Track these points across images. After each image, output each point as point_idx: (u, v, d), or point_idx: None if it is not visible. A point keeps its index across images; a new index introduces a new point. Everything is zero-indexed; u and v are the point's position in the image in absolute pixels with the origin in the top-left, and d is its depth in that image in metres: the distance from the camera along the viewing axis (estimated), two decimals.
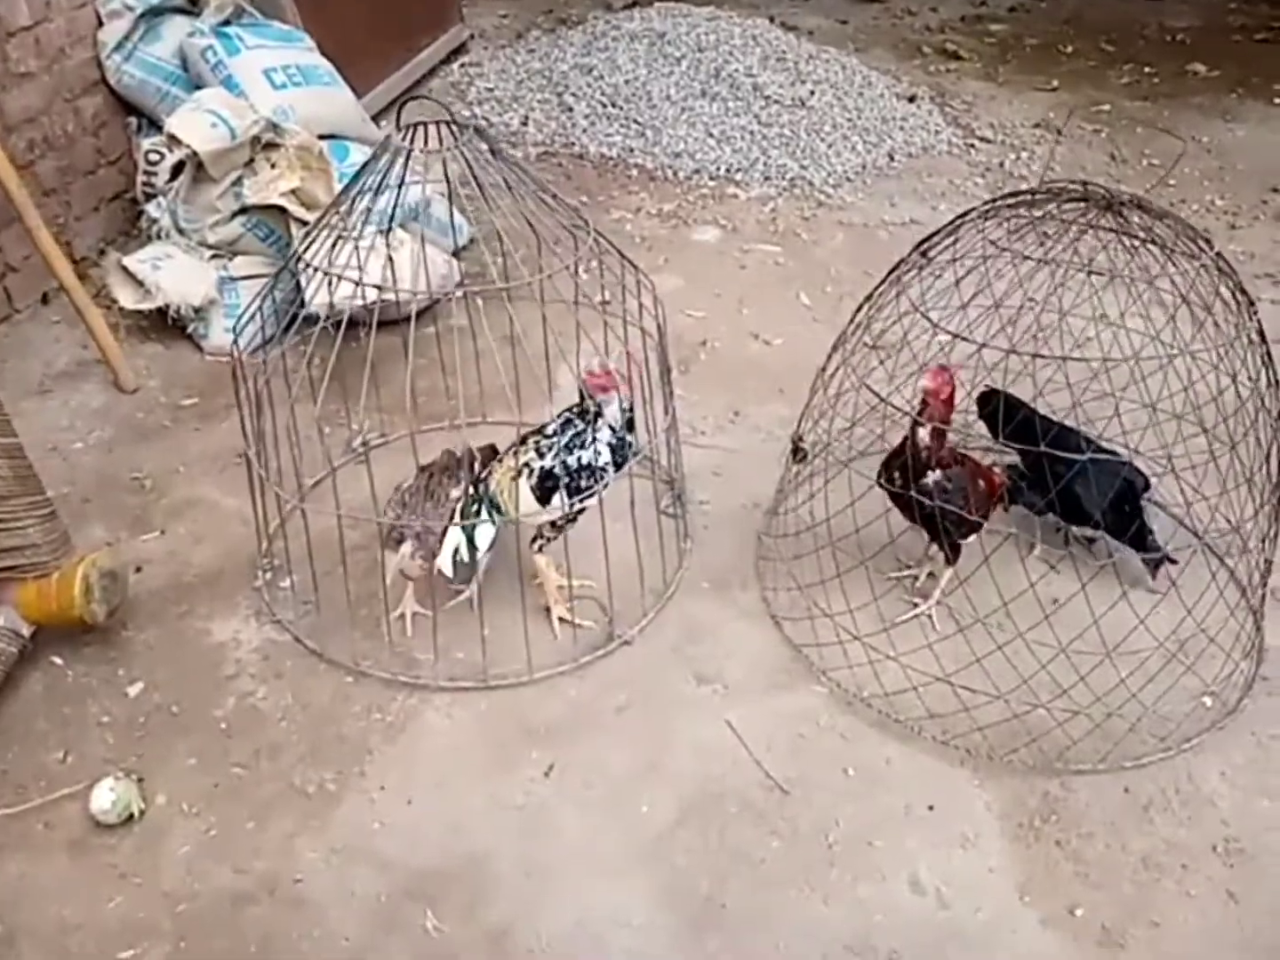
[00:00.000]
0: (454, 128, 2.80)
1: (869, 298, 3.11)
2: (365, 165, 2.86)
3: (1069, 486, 2.89)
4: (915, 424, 2.88)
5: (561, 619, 3.00)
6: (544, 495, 2.82)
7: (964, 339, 2.68)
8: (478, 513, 2.86)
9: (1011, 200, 2.79)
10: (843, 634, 2.89)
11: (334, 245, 2.89)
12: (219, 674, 2.89)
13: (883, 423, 3.08)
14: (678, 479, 3.58)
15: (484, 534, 2.88)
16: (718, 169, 5.57)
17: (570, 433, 2.84)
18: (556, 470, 2.79)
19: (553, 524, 2.88)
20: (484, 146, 2.80)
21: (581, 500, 2.82)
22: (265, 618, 3.06)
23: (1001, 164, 5.89)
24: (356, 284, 2.81)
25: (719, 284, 4.72)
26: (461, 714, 2.78)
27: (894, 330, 3.01)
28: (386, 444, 3.79)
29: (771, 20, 7.32)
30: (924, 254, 2.96)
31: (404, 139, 2.77)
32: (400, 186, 2.83)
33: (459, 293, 3.42)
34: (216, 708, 2.80)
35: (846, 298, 4.66)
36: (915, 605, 3.07)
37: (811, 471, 3.32)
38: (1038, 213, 2.64)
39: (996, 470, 3.15)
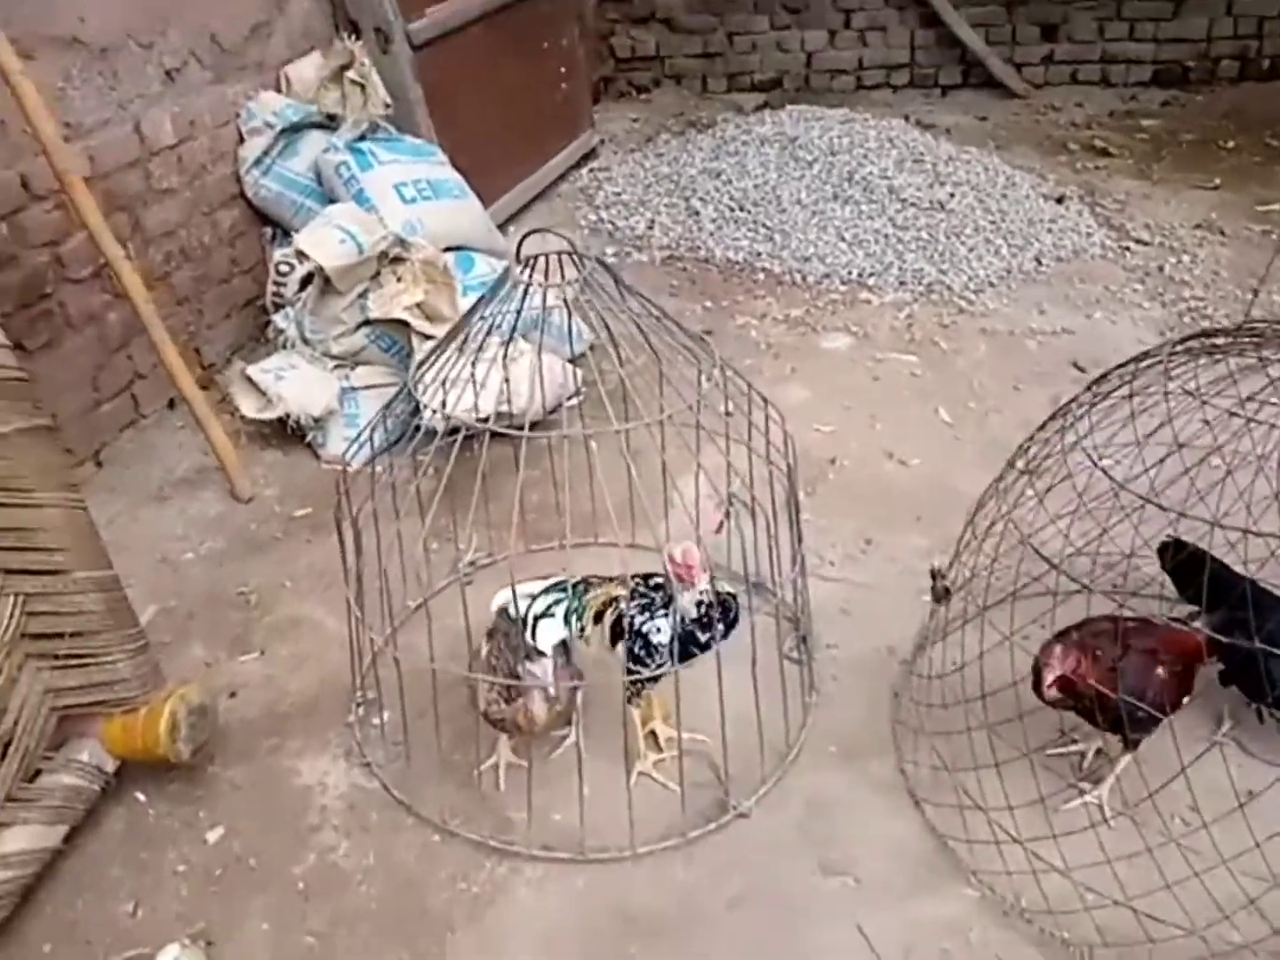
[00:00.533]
0: (576, 258, 2.66)
1: (1027, 445, 2.78)
2: (483, 297, 2.76)
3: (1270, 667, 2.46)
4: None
5: (644, 774, 2.74)
6: (613, 638, 2.68)
7: (1157, 504, 2.32)
8: (574, 612, 2.69)
9: (1206, 342, 2.43)
10: (998, 831, 2.50)
11: (454, 360, 2.79)
12: (302, 823, 2.70)
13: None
14: (804, 619, 3.28)
15: (550, 629, 2.70)
16: (849, 273, 5.34)
17: (654, 596, 2.66)
18: (624, 622, 2.60)
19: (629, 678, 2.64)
20: (608, 278, 2.66)
21: (636, 670, 2.58)
22: (355, 759, 2.87)
23: (1161, 268, 5.47)
24: (474, 396, 2.69)
25: (850, 396, 4.44)
26: (555, 891, 2.50)
27: (1056, 470, 2.67)
28: (494, 564, 3.62)
29: (907, 119, 7.13)
30: (1097, 395, 2.63)
31: (523, 272, 2.64)
32: (520, 310, 2.70)
33: (578, 430, 3.25)
34: (296, 863, 2.60)
35: (992, 413, 4.32)
36: (1081, 791, 2.66)
37: (962, 618, 2.97)
38: (1243, 361, 2.28)
39: (1184, 628, 2.70)
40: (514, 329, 2.79)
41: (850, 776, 2.77)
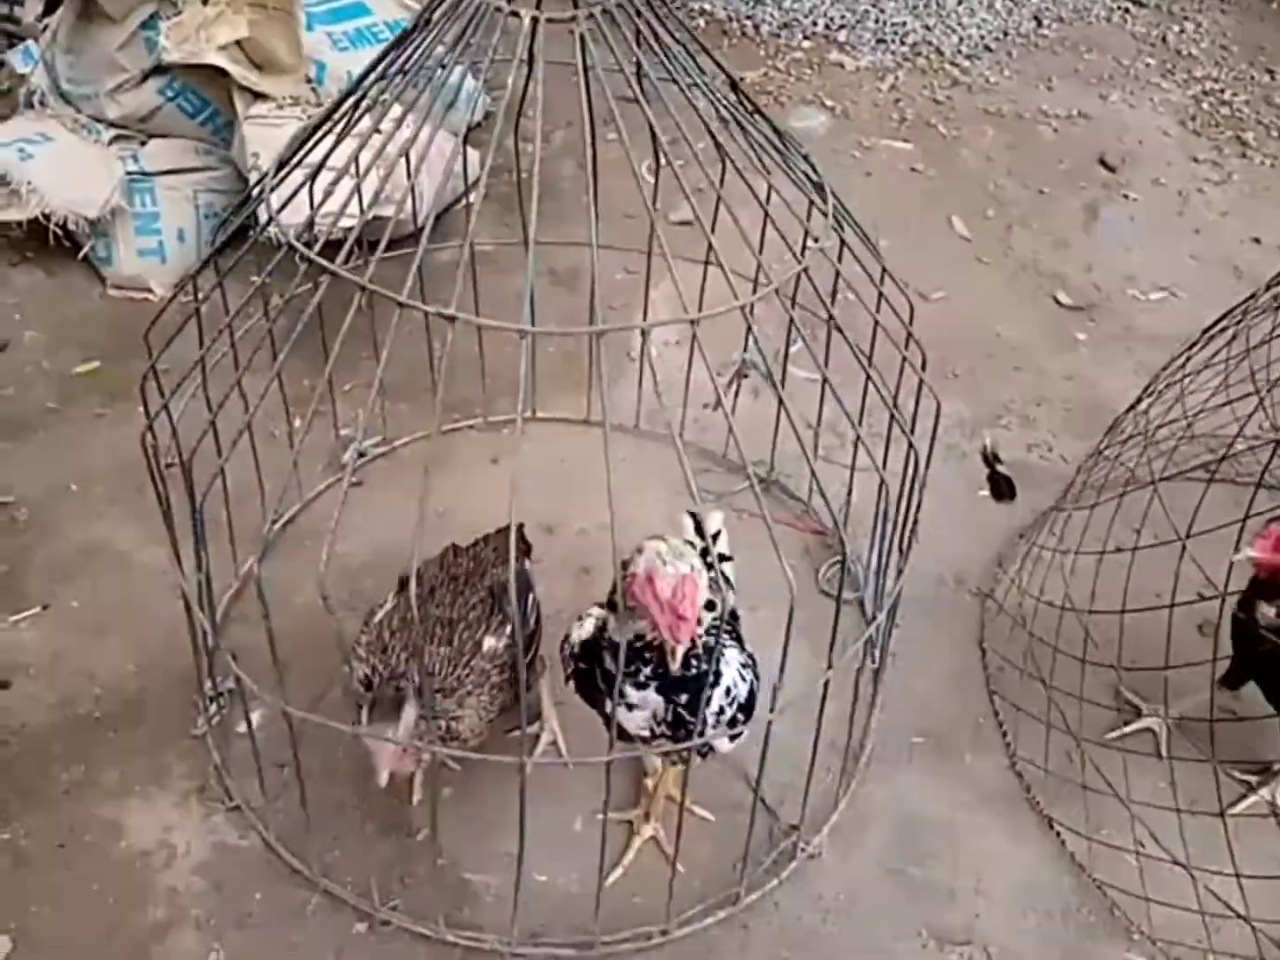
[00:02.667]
0: None
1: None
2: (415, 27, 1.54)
3: None
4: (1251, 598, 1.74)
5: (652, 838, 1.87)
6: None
7: None
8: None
9: None
10: (1156, 865, 1.80)
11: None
12: (140, 922, 1.71)
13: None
14: (840, 531, 2.39)
15: None
16: (815, 24, 4.15)
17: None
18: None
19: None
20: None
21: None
22: (213, 798, 1.86)
23: (1164, 38, 4.53)
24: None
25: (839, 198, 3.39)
26: None
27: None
28: (393, 452, 2.53)
29: None
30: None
31: None
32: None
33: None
34: None
35: (1018, 227, 3.40)
36: (1250, 786, 1.98)
37: (1064, 520, 2.15)
38: None
39: None
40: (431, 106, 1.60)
41: (944, 781, 1.99)
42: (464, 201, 3.02)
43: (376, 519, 2.33)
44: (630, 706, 1.56)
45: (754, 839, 1.80)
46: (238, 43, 2.70)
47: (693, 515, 1.95)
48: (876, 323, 1.85)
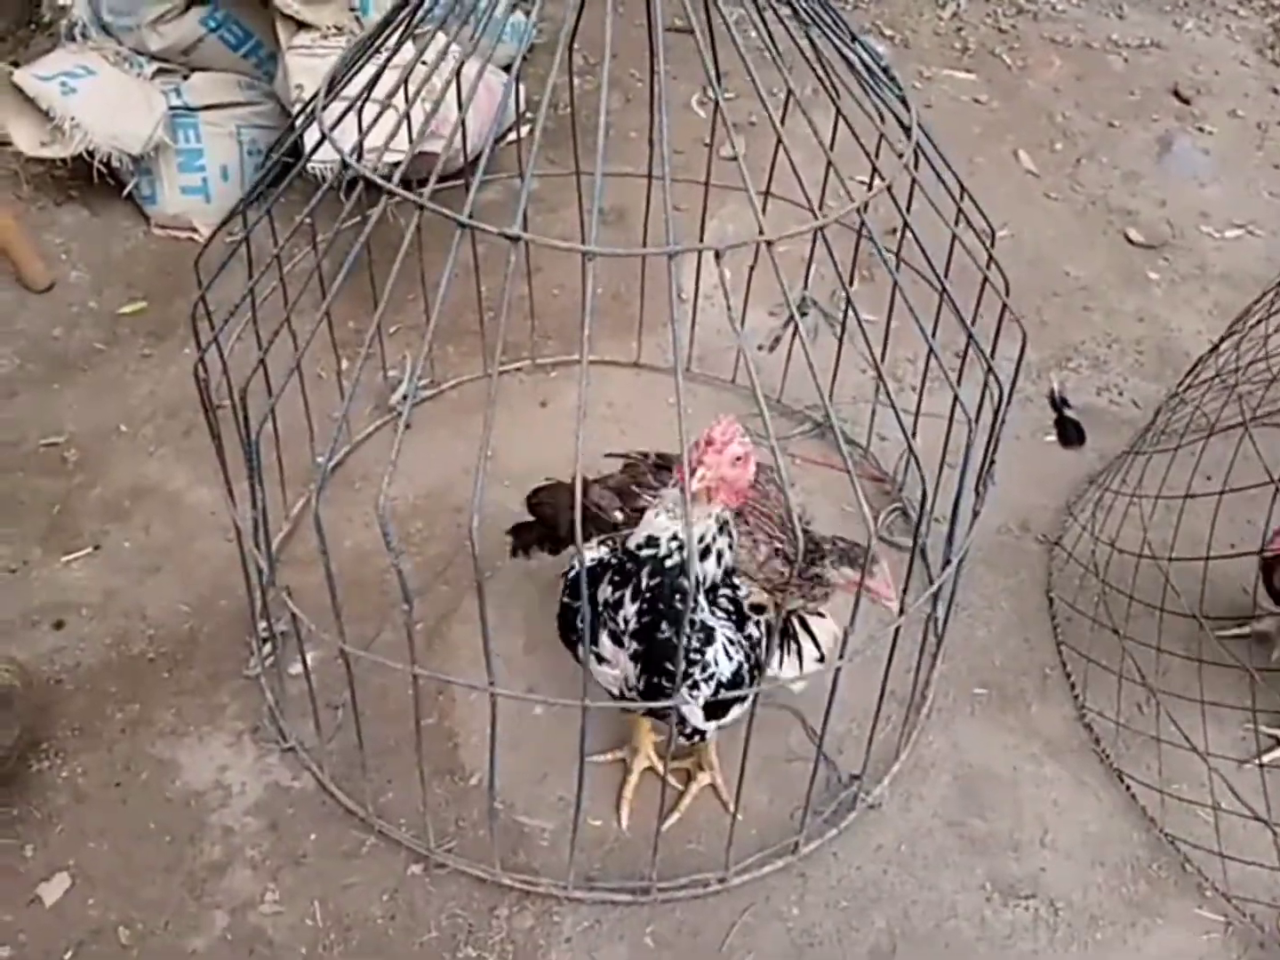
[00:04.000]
0: None
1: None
2: None
3: None
4: None
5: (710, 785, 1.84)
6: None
7: None
8: None
9: None
10: (1234, 818, 1.73)
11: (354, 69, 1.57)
12: (196, 859, 1.71)
13: None
14: (901, 478, 2.32)
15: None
16: None
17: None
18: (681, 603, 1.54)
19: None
20: None
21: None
22: (267, 738, 1.85)
23: None
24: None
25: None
26: (609, 954, 1.63)
27: None
28: (440, 395, 2.49)
29: None
30: None
31: None
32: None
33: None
34: (194, 932, 1.63)
35: (1086, 160, 3.25)
36: None
37: (1144, 465, 2.06)
38: None
39: None
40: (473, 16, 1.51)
41: (1008, 734, 1.93)
42: (509, 137, 2.94)
43: (424, 461, 2.30)
44: (600, 659, 1.53)
45: (813, 788, 1.77)
46: None
47: None
48: (955, 238, 1.74)
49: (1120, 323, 2.77)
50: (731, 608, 1.58)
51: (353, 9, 2.77)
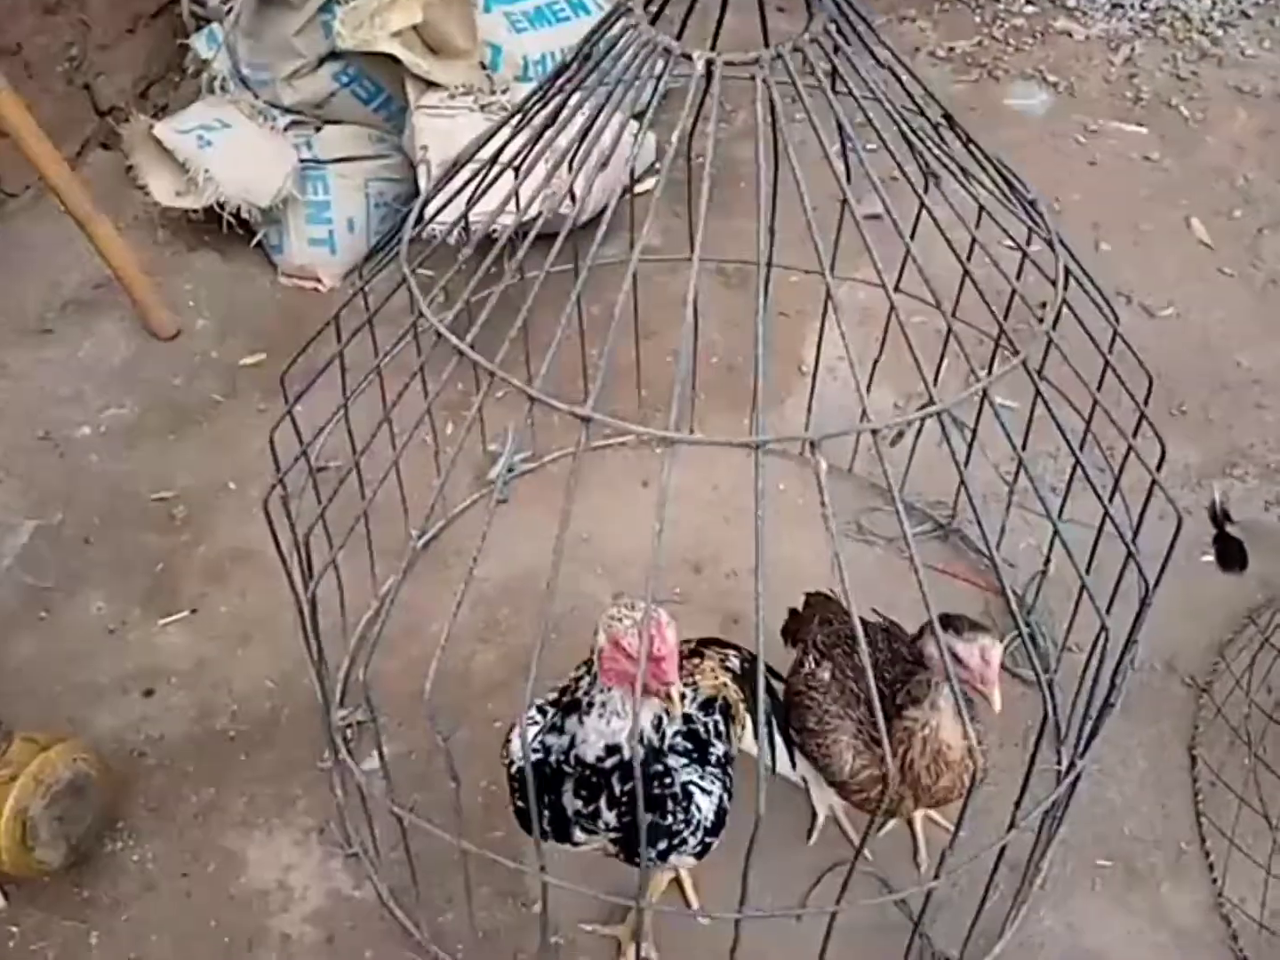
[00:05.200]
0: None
1: None
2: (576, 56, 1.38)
3: None
4: None
5: None
6: None
7: None
8: None
9: None
10: None
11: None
12: None
13: None
14: (1031, 598, 2.11)
15: None
16: None
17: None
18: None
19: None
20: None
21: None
22: (333, 841, 1.81)
23: None
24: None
25: (1056, 189, 2.99)
26: None
27: None
28: (541, 468, 2.41)
29: None
30: None
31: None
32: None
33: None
34: None
35: (1270, 232, 2.93)
36: None
37: None
38: None
39: None
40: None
41: (1135, 917, 1.71)
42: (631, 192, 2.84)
43: (518, 540, 2.22)
44: (576, 844, 1.43)
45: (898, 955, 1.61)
46: (413, 27, 2.59)
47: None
48: (1108, 364, 1.54)
49: None
50: (689, 743, 1.46)
51: (483, 65, 2.73)
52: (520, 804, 1.45)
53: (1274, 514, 2.31)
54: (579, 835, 1.43)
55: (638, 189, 2.79)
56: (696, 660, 1.63)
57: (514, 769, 1.45)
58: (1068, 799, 1.67)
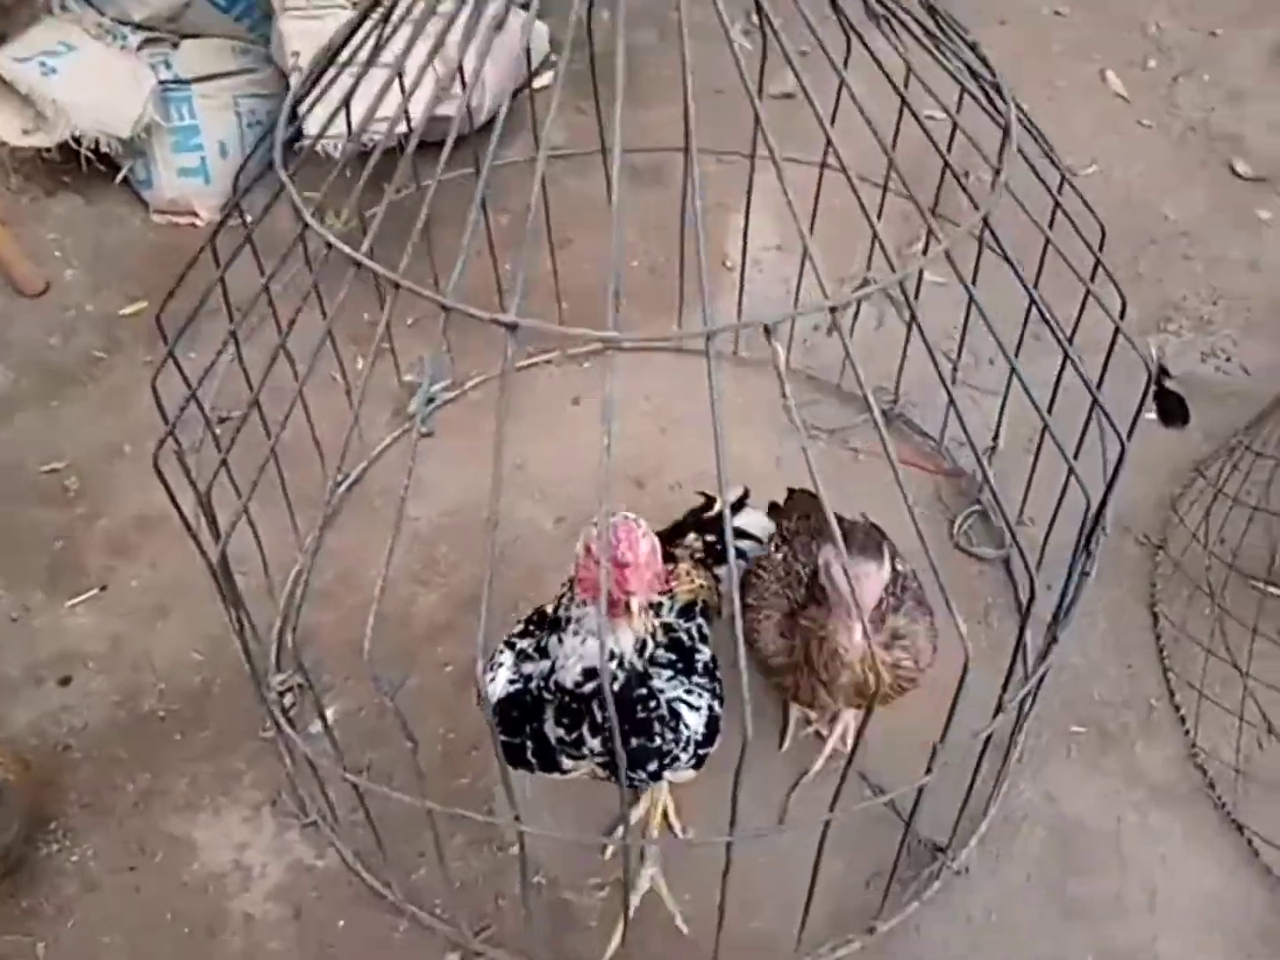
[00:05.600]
0: None
1: None
2: None
3: None
4: None
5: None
6: None
7: None
8: None
9: None
10: None
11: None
12: (218, 957, 1.57)
13: None
14: (978, 477, 2.06)
15: None
16: None
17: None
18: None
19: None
20: None
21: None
22: (287, 812, 1.70)
23: None
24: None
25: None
26: None
27: None
28: (463, 396, 2.27)
29: None
30: None
31: None
32: None
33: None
34: None
35: (1184, 79, 2.87)
36: None
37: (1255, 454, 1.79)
38: None
39: None
40: None
41: (1112, 779, 1.71)
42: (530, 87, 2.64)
43: (447, 474, 2.10)
44: (565, 772, 1.36)
45: (883, 854, 1.57)
46: None
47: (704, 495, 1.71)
48: (1058, 205, 1.45)
49: (1227, 274, 2.44)
50: (672, 654, 1.39)
51: None
52: (504, 738, 1.36)
53: (1210, 365, 2.29)
54: (566, 763, 1.35)
55: (535, 84, 2.61)
56: (670, 566, 1.54)
57: (492, 706, 1.37)
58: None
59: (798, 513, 1.69)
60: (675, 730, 1.34)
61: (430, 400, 2.22)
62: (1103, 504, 1.35)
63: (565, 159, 2.48)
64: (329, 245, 1.14)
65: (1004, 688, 1.32)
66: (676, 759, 1.36)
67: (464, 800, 1.70)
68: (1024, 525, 1.96)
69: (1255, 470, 1.91)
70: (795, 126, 1.30)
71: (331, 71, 1.37)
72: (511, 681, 1.34)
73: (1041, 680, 1.44)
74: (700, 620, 1.47)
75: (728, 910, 1.30)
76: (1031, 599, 1.17)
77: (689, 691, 1.37)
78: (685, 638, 1.42)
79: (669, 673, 1.37)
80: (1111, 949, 1.57)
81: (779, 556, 1.59)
